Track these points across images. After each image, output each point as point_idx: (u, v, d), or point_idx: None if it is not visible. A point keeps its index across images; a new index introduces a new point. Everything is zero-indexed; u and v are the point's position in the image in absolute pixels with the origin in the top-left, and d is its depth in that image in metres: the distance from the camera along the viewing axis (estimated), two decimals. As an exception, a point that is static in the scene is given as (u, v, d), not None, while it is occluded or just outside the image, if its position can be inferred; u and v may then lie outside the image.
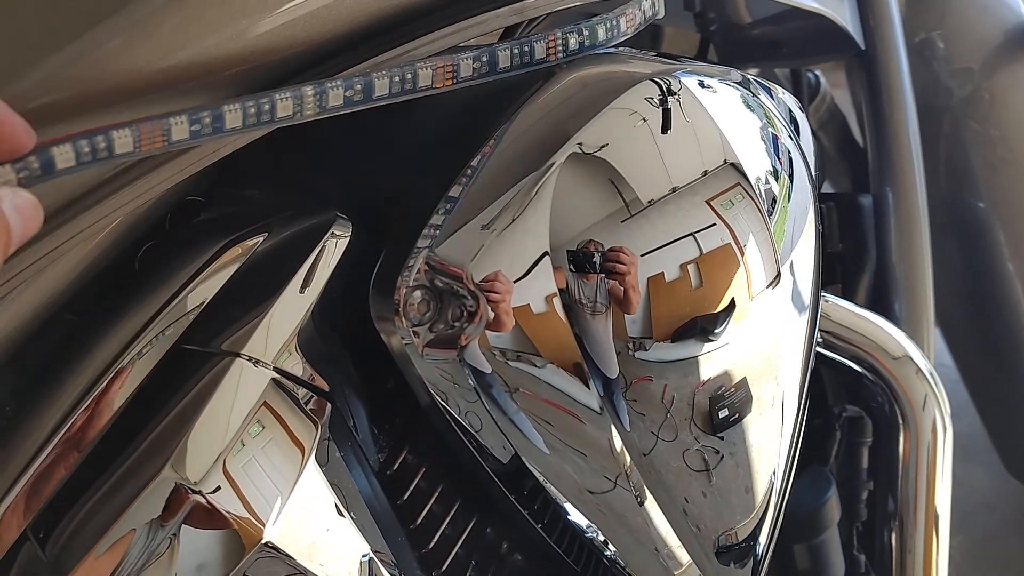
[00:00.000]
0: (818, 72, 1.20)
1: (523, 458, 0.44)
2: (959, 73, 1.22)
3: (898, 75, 0.89)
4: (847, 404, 0.85)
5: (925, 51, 1.22)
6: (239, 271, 0.44)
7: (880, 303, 0.89)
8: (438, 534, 0.49)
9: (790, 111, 0.56)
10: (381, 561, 0.45)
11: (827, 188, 1.14)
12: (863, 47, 0.90)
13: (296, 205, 0.47)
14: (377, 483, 0.45)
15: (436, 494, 0.49)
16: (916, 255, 0.88)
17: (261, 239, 0.45)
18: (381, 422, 0.47)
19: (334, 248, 0.44)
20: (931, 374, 0.80)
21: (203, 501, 0.39)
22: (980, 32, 1.23)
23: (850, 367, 0.79)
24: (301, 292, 0.43)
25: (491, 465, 0.47)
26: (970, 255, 1.25)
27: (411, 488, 0.48)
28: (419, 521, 0.48)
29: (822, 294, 0.80)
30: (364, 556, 0.44)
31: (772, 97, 0.53)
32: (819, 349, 0.80)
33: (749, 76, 0.53)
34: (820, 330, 0.79)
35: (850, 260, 0.90)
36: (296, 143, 0.47)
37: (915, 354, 0.80)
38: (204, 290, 0.43)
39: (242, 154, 0.43)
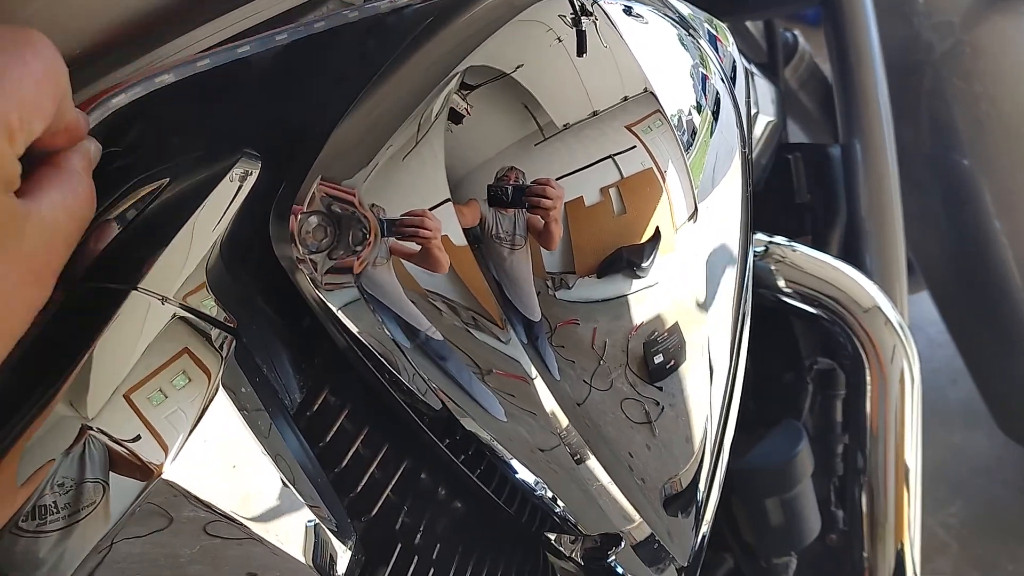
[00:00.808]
0: (796, 32, 1.18)
1: (454, 413, 0.43)
2: (939, 27, 1.20)
3: (864, 21, 0.87)
4: (819, 357, 0.83)
5: (904, 6, 1.20)
6: (145, 211, 0.43)
7: (851, 255, 0.87)
8: (365, 478, 0.48)
9: (733, 59, 0.54)
10: (312, 509, 0.44)
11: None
12: (827, -4, 0.89)
13: (210, 147, 0.46)
14: (296, 426, 0.44)
15: (361, 437, 0.48)
16: (886, 205, 0.87)
17: (166, 180, 0.44)
18: (299, 362, 0.46)
19: (240, 184, 0.43)
20: (900, 325, 0.78)
21: (102, 437, 0.38)
22: (959, -16, 1.20)
23: (820, 317, 0.78)
24: (208, 227, 0.42)
25: (418, 410, 0.45)
26: (956, 214, 1.23)
27: (333, 430, 0.46)
28: (344, 464, 0.47)
29: (791, 244, 0.79)
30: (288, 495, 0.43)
31: (715, 44, 0.52)
32: (789, 300, 0.79)
33: (694, 16, 0.52)
34: (789, 280, 0.78)
35: (820, 211, 0.88)
36: (215, 88, 0.46)
37: (884, 305, 0.78)
38: (106, 229, 0.42)
39: (163, 103, 0.42)
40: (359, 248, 0.39)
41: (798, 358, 0.84)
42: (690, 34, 0.53)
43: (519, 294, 0.43)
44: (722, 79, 0.52)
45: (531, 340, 0.44)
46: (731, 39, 0.59)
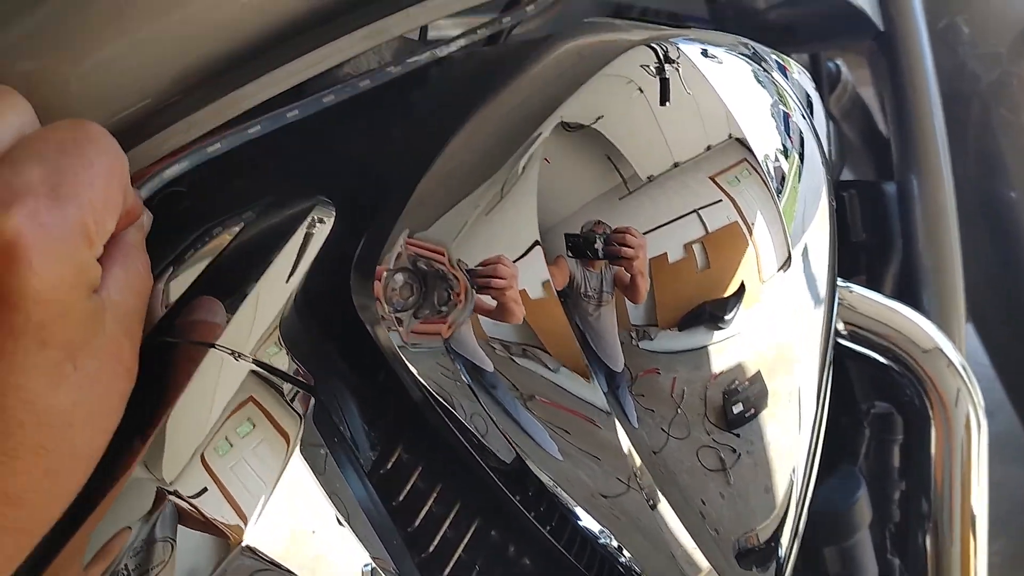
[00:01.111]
0: (839, 62, 1.17)
1: (525, 459, 0.42)
2: (986, 58, 1.18)
3: (920, 56, 0.86)
4: (876, 400, 0.81)
5: (949, 36, 1.19)
6: (216, 260, 0.42)
7: (907, 295, 0.85)
8: (438, 537, 0.46)
9: (805, 91, 0.53)
10: (381, 569, 0.42)
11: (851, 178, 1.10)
12: (882, 29, 0.87)
13: (281, 192, 0.45)
14: (370, 484, 0.43)
15: (435, 494, 0.46)
16: (944, 243, 0.85)
17: (239, 227, 0.43)
18: (373, 418, 0.44)
19: (317, 234, 0.42)
20: (963, 367, 0.76)
21: (180, 502, 0.36)
22: (1006, 15, 1.19)
23: (878, 361, 0.76)
24: (282, 280, 0.40)
25: (491, 464, 0.44)
26: (1002, 246, 1.21)
27: (407, 488, 0.45)
28: (417, 523, 0.45)
29: (847, 285, 0.77)
30: (365, 566, 0.42)
31: (785, 75, 0.50)
32: (845, 342, 0.77)
33: (761, 49, 0.50)
34: (845, 322, 0.76)
35: (875, 250, 0.86)
36: (282, 130, 0.45)
37: (946, 346, 0.76)
38: (178, 283, 0.41)
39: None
40: (446, 307, 0.38)
41: (854, 402, 0.81)
42: (764, 68, 0.51)
43: (604, 346, 0.42)
44: (802, 115, 0.51)
45: (612, 389, 0.43)
46: (797, 68, 0.57)
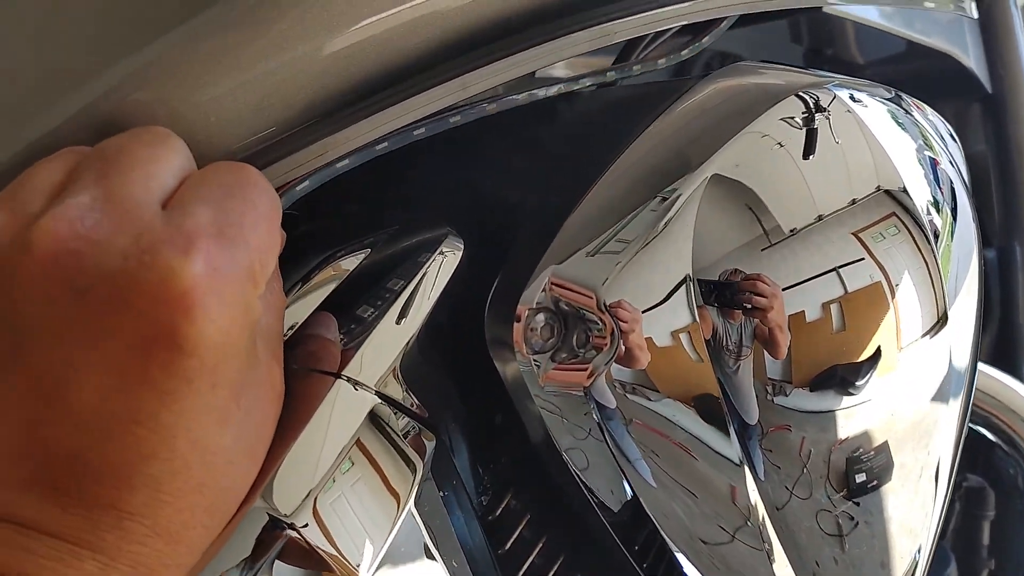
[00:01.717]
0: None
1: (645, 506, 0.40)
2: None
3: (1028, 121, 0.83)
4: (967, 473, 0.78)
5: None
6: (341, 287, 0.41)
7: (1006, 363, 0.82)
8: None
9: (943, 136, 0.50)
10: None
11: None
12: (990, 91, 0.85)
13: (402, 219, 0.44)
14: (480, 530, 0.41)
15: (540, 546, 0.44)
16: (1045, 313, 0.82)
17: (365, 254, 0.42)
18: (486, 461, 0.42)
19: (445, 267, 0.40)
20: (1066, 443, 0.73)
21: (296, 536, 0.35)
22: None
23: (980, 433, 0.73)
24: (407, 312, 0.39)
25: (608, 515, 0.42)
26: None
27: (514, 537, 0.43)
28: (520, 574, 0.43)
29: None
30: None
31: (929, 121, 0.48)
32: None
33: (902, 93, 0.49)
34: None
35: (972, 316, 0.83)
36: (401, 153, 0.44)
37: (1048, 419, 0.73)
38: (301, 307, 0.40)
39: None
40: (584, 350, 0.36)
41: (946, 473, 0.78)
42: (908, 114, 0.49)
43: (740, 398, 0.41)
44: (951, 162, 0.49)
45: (742, 440, 0.41)
46: (931, 112, 0.55)
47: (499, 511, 0.43)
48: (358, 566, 0.36)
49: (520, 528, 0.43)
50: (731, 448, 0.40)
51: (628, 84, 0.51)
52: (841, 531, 0.46)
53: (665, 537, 0.42)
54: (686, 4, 0.44)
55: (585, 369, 0.36)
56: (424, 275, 0.40)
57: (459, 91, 0.41)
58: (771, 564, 0.43)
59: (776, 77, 0.44)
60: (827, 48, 0.95)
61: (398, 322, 0.39)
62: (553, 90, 0.45)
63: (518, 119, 0.47)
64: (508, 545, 0.43)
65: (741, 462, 0.40)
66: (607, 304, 0.36)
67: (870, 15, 0.75)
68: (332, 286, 0.41)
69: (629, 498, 0.41)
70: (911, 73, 0.91)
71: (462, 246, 0.41)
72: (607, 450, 0.39)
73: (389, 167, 0.48)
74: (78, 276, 0.27)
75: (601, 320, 0.36)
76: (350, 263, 0.41)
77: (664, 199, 0.38)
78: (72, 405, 0.27)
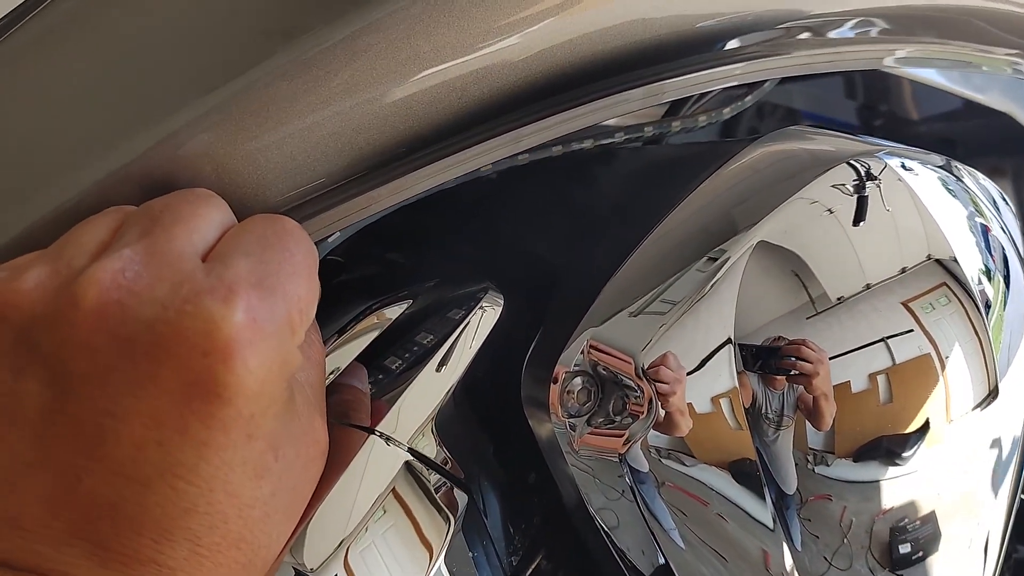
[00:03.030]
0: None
1: (676, 571, 0.39)
2: None
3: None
4: (1017, 544, 0.75)
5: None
6: (378, 339, 0.41)
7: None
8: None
9: (995, 201, 0.49)
10: None
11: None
12: (1049, 150, 0.83)
13: (442, 271, 0.44)
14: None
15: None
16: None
17: (405, 306, 0.42)
18: (518, 520, 0.42)
19: (484, 321, 0.40)
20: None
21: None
22: None
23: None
24: (444, 368, 0.39)
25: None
26: None
27: (542, 598, 0.42)
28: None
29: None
30: None
31: (980, 185, 0.47)
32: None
33: (952, 160, 0.48)
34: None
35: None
36: (442, 203, 0.44)
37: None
38: (340, 357, 0.40)
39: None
40: (620, 416, 0.36)
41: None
42: (959, 181, 0.48)
43: (778, 467, 0.40)
44: (1003, 228, 0.47)
45: (779, 509, 0.40)
46: (982, 178, 0.53)
47: (529, 572, 0.42)
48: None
49: (550, 590, 0.43)
50: (766, 516, 0.39)
51: (675, 144, 0.51)
52: (885, 606, 0.44)
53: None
54: (740, 65, 0.43)
55: (621, 436, 0.36)
56: (463, 329, 0.39)
57: (512, 144, 0.41)
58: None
59: (827, 143, 0.43)
60: (881, 104, 0.94)
61: (435, 376, 0.39)
62: (587, 143, 0.45)
63: (559, 176, 0.47)
64: (537, 607, 0.42)
65: (776, 530, 0.38)
66: (646, 368, 0.35)
67: (926, 72, 0.74)
68: (372, 336, 0.41)
69: (661, 563, 0.41)
70: (967, 130, 0.90)
71: (502, 301, 0.41)
72: (639, 513, 0.39)
73: (431, 220, 0.49)
74: (121, 326, 0.27)
75: (639, 387, 0.35)
76: (391, 313, 0.41)
77: (712, 259, 0.37)
78: (112, 455, 0.27)
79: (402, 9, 0.34)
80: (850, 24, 0.48)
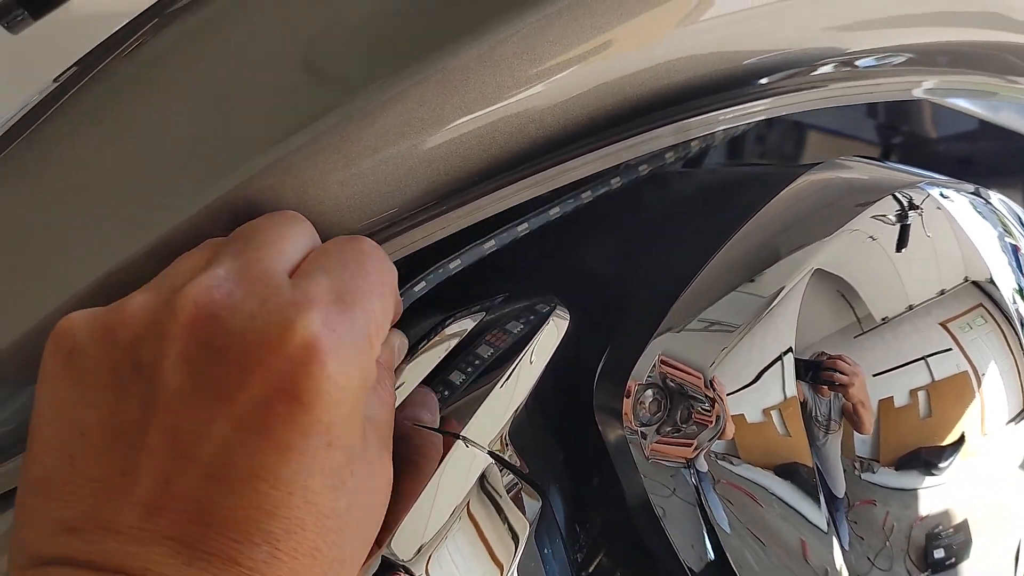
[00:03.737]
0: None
1: (732, 562, 0.42)
2: None
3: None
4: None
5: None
6: (455, 351, 0.44)
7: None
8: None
9: (1021, 221, 0.53)
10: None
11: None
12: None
13: (510, 287, 0.47)
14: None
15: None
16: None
17: (480, 318, 0.45)
18: (583, 520, 0.45)
19: (554, 335, 0.43)
20: None
21: (411, 580, 0.37)
22: None
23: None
24: (518, 378, 0.42)
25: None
26: None
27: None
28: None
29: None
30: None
31: (1007, 207, 0.50)
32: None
33: (980, 187, 0.51)
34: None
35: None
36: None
37: None
38: (418, 369, 0.43)
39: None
40: (687, 425, 0.39)
41: None
42: (983, 199, 0.51)
43: (828, 470, 0.43)
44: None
45: (830, 511, 0.43)
46: (1004, 196, 0.57)
47: (592, 568, 0.45)
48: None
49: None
50: (821, 518, 0.42)
51: (723, 169, 0.54)
52: (920, 605, 0.47)
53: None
54: (779, 98, 0.46)
55: (690, 444, 0.39)
56: (536, 343, 0.43)
57: (559, 176, 0.44)
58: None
59: (872, 174, 0.46)
60: (902, 123, 0.97)
61: (510, 386, 0.42)
62: (642, 169, 0.48)
63: (612, 203, 0.50)
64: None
65: (829, 532, 0.42)
66: (712, 381, 0.39)
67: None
68: (451, 345, 0.44)
69: (711, 559, 0.44)
70: (987, 150, 0.93)
71: (568, 316, 0.44)
72: (699, 513, 0.42)
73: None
74: (214, 337, 0.30)
75: (708, 399, 0.38)
76: (466, 325, 0.45)
77: (771, 290, 0.40)
78: (201, 458, 0.29)
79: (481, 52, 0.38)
80: (885, 58, 0.51)
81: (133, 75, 0.42)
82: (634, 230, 0.49)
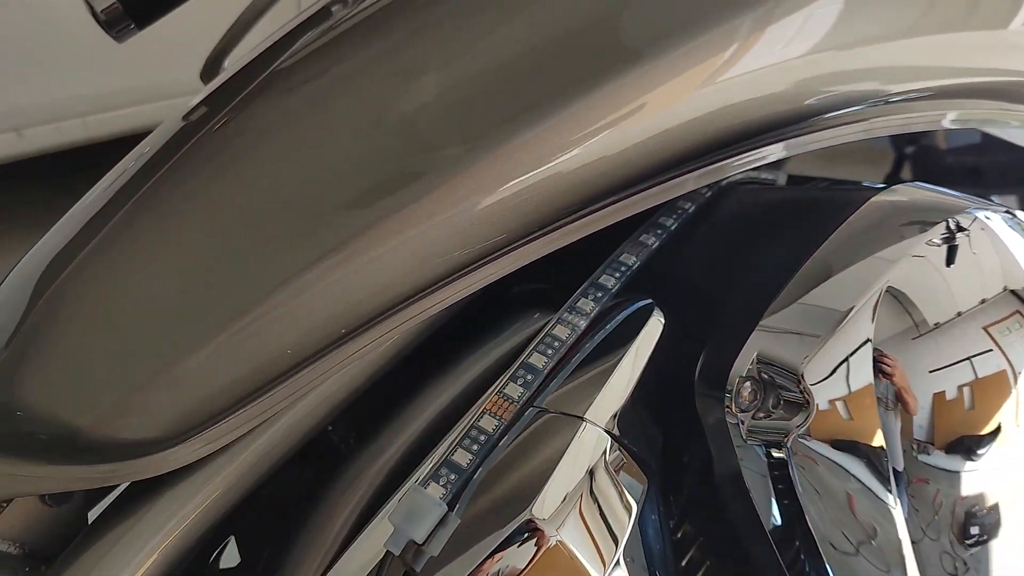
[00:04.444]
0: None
1: (814, 535, 0.48)
2: None
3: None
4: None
5: None
6: (571, 343, 0.51)
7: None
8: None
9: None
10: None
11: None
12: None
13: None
14: (668, 547, 0.51)
15: (706, 566, 0.54)
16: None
17: (593, 314, 0.52)
18: (675, 491, 0.52)
19: (654, 333, 0.50)
20: None
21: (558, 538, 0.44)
22: None
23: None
24: (633, 368, 0.49)
25: (775, 539, 0.51)
26: None
27: (687, 557, 0.53)
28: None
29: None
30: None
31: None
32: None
33: (1009, 208, 0.59)
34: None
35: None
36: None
37: None
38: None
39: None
40: (779, 411, 0.46)
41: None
42: (1011, 215, 0.59)
43: (891, 446, 0.50)
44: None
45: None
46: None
47: (679, 535, 0.52)
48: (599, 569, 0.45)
49: (692, 551, 0.53)
50: (888, 488, 0.49)
51: (792, 188, 0.62)
52: (957, 572, 0.55)
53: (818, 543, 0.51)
54: (831, 131, 0.54)
55: (782, 428, 0.46)
56: (640, 339, 0.50)
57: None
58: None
59: (929, 199, 0.54)
60: (915, 137, 1.05)
61: (623, 374, 0.49)
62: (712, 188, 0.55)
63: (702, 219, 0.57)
64: (684, 563, 0.53)
65: (897, 503, 0.49)
66: (803, 375, 0.46)
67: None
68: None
69: (778, 524, 0.51)
70: (996, 162, 1.01)
71: (663, 318, 0.51)
72: (769, 483, 0.49)
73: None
74: None
75: (803, 392, 0.45)
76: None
77: (850, 301, 0.48)
78: None
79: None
80: (923, 95, 0.59)
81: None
82: (721, 243, 0.56)
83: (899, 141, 1.10)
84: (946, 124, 0.68)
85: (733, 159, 0.51)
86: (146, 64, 2.36)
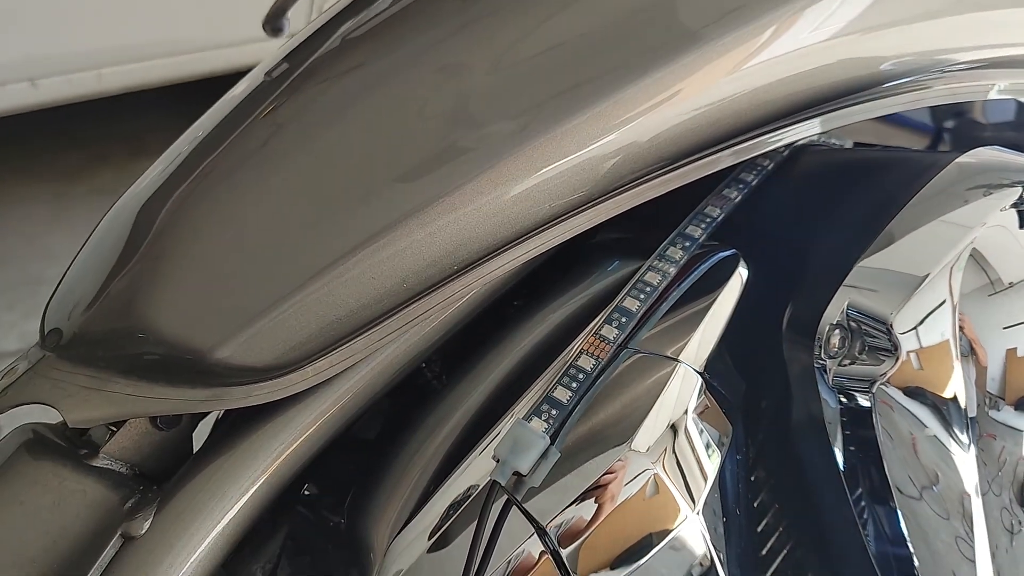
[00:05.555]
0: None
1: (888, 479, 0.51)
2: None
3: None
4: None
5: None
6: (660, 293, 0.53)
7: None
8: (770, 542, 0.56)
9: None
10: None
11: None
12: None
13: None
14: (744, 490, 0.53)
15: (773, 510, 0.56)
16: None
17: (681, 263, 0.54)
18: (751, 434, 0.54)
19: (739, 282, 0.52)
20: None
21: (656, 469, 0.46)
22: None
23: None
24: (718, 312, 0.51)
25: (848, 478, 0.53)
26: None
27: (759, 499, 0.55)
28: (759, 528, 0.55)
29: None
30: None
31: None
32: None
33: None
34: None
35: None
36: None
37: None
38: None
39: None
40: (866, 358, 0.48)
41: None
42: None
43: (967, 393, 0.52)
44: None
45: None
46: None
47: (752, 478, 0.55)
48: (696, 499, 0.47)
49: (763, 494, 0.56)
50: (964, 435, 0.51)
51: (879, 151, 0.64)
52: (1012, 529, 0.57)
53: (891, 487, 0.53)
54: (895, 98, 0.56)
55: (870, 374, 0.48)
56: (730, 283, 0.52)
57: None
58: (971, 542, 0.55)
59: (1006, 162, 0.56)
60: (957, 108, 1.07)
61: (713, 319, 0.51)
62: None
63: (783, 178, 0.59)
64: (755, 504, 0.55)
65: (970, 450, 0.51)
66: (892, 326, 0.48)
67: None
68: (662, 286, 0.52)
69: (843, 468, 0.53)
70: (1025, 137, 1.03)
71: (747, 269, 0.53)
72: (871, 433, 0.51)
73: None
74: None
75: (891, 340, 0.48)
76: (671, 269, 0.53)
77: (939, 259, 0.49)
78: None
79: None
80: (975, 65, 0.61)
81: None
82: (803, 200, 0.58)
83: (940, 113, 1.11)
84: (993, 95, 0.70)
85: (806, 122, 0.53)
86: (160, 19, 2.38)
